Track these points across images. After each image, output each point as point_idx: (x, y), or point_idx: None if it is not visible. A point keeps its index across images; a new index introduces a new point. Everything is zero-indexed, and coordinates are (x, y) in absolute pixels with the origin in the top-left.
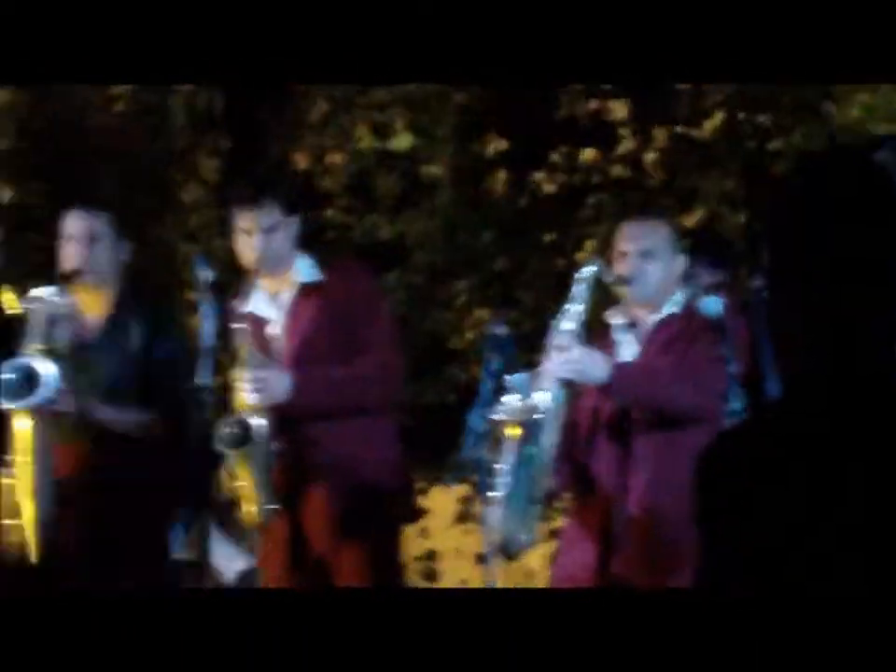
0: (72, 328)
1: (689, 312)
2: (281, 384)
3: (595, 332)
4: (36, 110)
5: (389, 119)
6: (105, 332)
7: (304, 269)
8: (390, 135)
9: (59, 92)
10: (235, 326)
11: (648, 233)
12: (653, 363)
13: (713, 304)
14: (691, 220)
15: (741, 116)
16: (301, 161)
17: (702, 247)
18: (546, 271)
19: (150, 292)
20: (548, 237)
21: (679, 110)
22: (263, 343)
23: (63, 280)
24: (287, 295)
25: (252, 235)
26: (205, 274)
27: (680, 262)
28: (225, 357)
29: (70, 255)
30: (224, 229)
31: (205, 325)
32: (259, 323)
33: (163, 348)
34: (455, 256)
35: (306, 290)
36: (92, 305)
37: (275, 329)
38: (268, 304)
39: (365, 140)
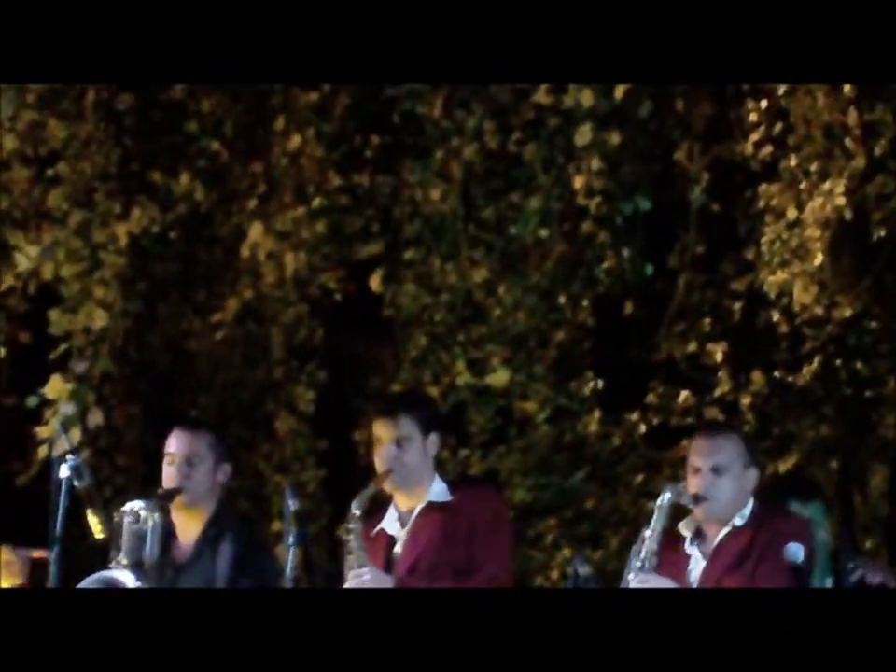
0: (160, 544)
1: (754, 523)
2: (380, 584)
3: (669, 544)
4: (134, 334)
5: (486, 355)
6: (196, 554)
7: (438, 490)
8: (487, 371)
9: (161, 315)
10: (350, 526)
11: (719, 448)
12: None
13: (795, 550)
14: (785, 465)
15: (838, 362)
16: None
17: (791, 487)
18: (635, 512)
19: (242, 517)
20: (639, 478)
21: (776, 355)
22: (389, 560)
23: (162, 498)
24: (417, 512)
25: (383, 445)
26: (293, 505)
27: (752, 476)
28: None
29: (170, 474)
30: (317, 460)
31: (290, 555)
32: (387, 540)
33: (248, 578)
34: (545, 493)
35: (432, 508)
36: (188, 524)
37: (400, 546)
38: (398, 522)
39: (462, 375)
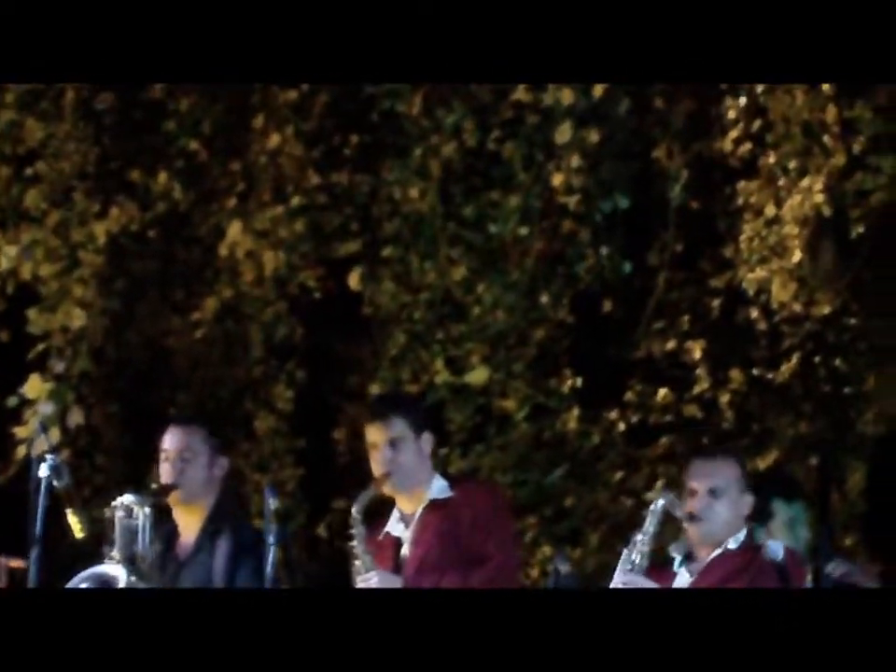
0: (162, 539)
1: (748, 549)
2: (388, 585)
3: (655, 566)
4: (112, 333)
5: (465, 353)
6: (196, 549)
7: (437, 487)
8: (466, 369)
9: (139, 314)
10: (354, 531)
11: (717, 471)
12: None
13: (776, 548)
14: (764, 462)
15: (817, 359)
16: (377, 392)
17: (775, 485)
18: (614, 510)
19: (240, 511)
20: (618, 476)
21: (755, 352)
22: (396, 562)
23: (156, 494)
24: (420, 512)
25: (378, 449)
26: (273, 503)
27: (748, 501)
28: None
29: (165, 470)
30: (295, 459)
31: (270, 553)
32: (393, 542)
33: (245, 573)
34: (524, 491)
35: (434, 505)
36: (188, 520)
37: (407, 548)
38: (402, 524)
39: (441, 374)
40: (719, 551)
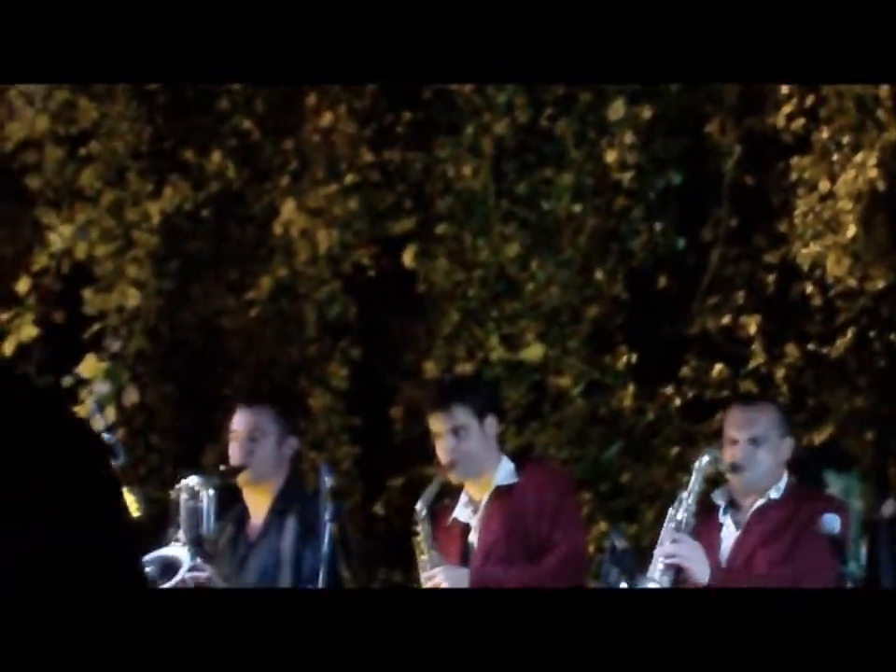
0: (219, 519)
1: (790, 497)
2: (455, 579)
3: (702, 512)
4: (167, 313)
5: (520, 331)
6: (264, 530)
7: (504, 472)
8: (521, 346)
9: (194, 294)
10: (419, 527)
11: (756, 419)
12: (755, 569)
13: (831, 521)
14: (820, 436)
15: (872, 333)
16: (432, 370)
17: (826, 458)
18: (670, 486)
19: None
20: (674, 451)
21: (810, 327)
22: (464, 549)
23: (225, 476)
24: (486, 499)
25: (442, 437)
26: (329, 481)
27: (788, 446)
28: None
29: (234, 451)
30: (351, 437)
31: (326, 532)
32: (461, 529)
33: (311, 553)
34: (580, 467)
35: (499, 492)
36: (257, 501)
37: (474, 534)
38: (470, 510)
39: (496, 350)
40: (762, 500)
